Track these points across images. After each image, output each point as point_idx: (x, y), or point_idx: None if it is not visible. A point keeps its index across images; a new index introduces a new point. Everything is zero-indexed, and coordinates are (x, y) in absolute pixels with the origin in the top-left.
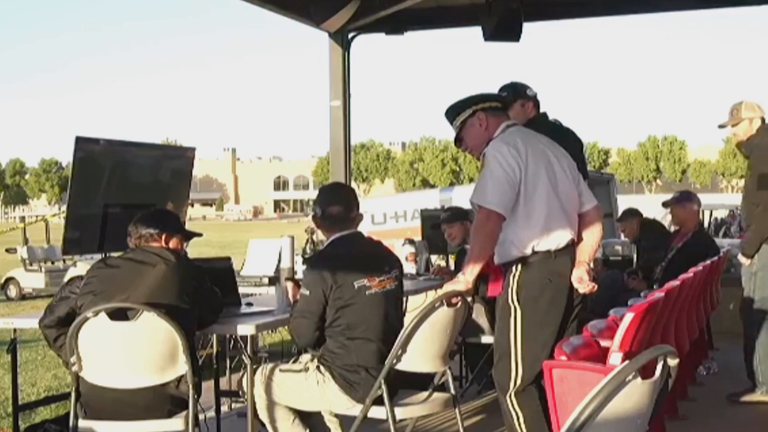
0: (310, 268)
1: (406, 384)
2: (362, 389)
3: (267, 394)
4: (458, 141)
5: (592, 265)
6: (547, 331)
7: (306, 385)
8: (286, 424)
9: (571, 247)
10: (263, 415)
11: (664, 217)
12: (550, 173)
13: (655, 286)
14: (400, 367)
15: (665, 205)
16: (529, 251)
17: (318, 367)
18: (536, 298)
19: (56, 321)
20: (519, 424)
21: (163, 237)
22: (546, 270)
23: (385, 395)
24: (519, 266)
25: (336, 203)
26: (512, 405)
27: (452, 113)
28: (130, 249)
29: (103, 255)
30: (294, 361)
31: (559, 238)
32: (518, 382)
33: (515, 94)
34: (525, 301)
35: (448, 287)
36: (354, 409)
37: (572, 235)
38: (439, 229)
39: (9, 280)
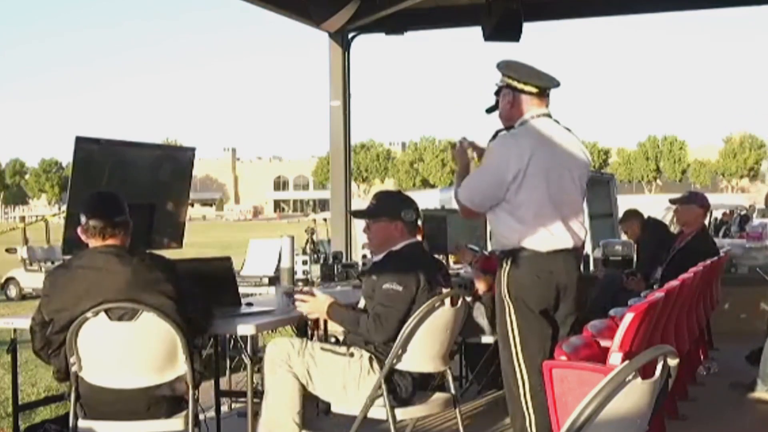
0: (399, 265)
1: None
2: (402, 393)
3: (300, 366)
4: (496, 94)
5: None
6: (542, 323)
7: (341, 369)
8: (292, 401)
9: (570, 251)
10: (272, 379)
11: (665, 216)
12: (552, 180)
13: (655, 287)
14: (400, 366)
15: (672, 202)
16: (516, 244)
17: (370, 359)
18: (526, 294)
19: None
20: (530, 426)
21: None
22: (535, 267)
23: (385, 395)
24: (509, 262)
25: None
26: (527, 406)
27: (499, 70)
28: (82, 253)
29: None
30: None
31: (551, 243)
32: (524, 375)
33: None
34: (516, 296)
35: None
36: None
37: (572, 243)
38: (439, 229)
39: (9, 280)
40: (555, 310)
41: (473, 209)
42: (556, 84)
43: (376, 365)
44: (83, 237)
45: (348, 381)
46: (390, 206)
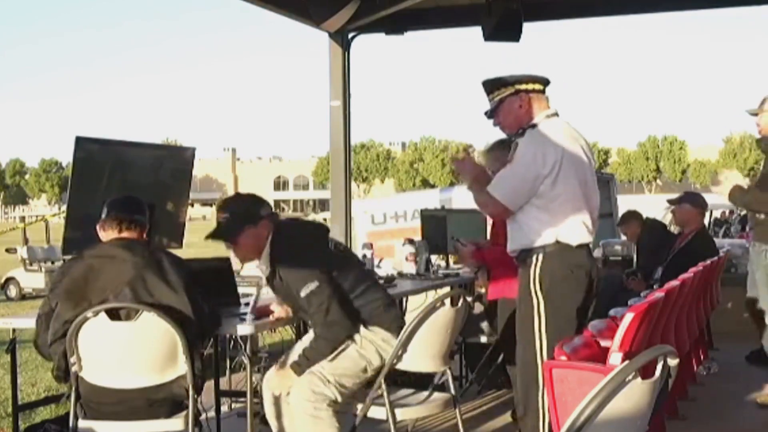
0: (295, 262)
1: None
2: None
3: (339, 395)
4: (491, 114)
5: None
6: (571, 319)
7: (359, 357)
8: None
9: (588, 246)
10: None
11: (664, 217)
12: (581, 175)
13: (655, 287)
14: (400, 366)
15: (670, 203)
16: (547, 239)
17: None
18: (559, 289)
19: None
20: (543, 426)
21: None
22: (568, 261)
23: (385, 395)
24: (540, 256)
25: None
26: (542, 406)
27: (491, 86)
28: (95, 245)
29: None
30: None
31: (581, 237)
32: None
33: None
34: (548, 291)
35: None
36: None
37: (591, 237)
38: (439, 229)
39: (9, 280)
40: (583, 303)
41: (510, 208)
42: (547, 79)
43: (375, 327)
44: (101, 232)
45: (371, 359)
46: (247, 212)
